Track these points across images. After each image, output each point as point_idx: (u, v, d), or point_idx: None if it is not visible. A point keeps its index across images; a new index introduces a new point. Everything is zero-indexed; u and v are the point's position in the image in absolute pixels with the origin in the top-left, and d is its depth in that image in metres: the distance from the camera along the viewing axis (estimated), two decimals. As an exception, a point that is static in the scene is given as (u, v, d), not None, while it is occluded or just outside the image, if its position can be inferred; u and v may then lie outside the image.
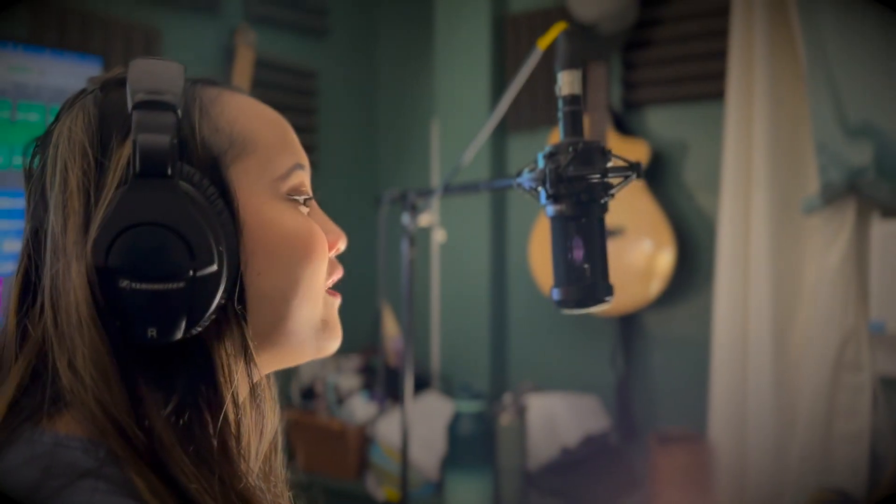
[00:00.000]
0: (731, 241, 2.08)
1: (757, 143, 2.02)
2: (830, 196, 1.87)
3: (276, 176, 0.60)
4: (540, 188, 0.71)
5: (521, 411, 2.16)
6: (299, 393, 2.58)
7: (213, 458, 0.52)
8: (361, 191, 2.90)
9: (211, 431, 0.53)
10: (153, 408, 0.51)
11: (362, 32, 3.02)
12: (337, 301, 0.66)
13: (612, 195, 0.70)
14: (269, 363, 0.61)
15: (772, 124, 1.99)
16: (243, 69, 2.39)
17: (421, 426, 2.29)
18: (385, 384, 2.45)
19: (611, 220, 2.26)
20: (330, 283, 0.65)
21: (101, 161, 0.53)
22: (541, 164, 0.71)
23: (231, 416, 0.54)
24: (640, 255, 2.25)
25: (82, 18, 2.03)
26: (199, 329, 0.53)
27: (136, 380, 0.51)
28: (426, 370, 2.75)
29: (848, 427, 1.90)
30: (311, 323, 0.61)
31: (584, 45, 2.33)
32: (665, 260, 2.23)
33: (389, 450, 2.27)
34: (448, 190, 1.23)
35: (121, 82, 0.57)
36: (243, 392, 0.57)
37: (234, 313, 0.55)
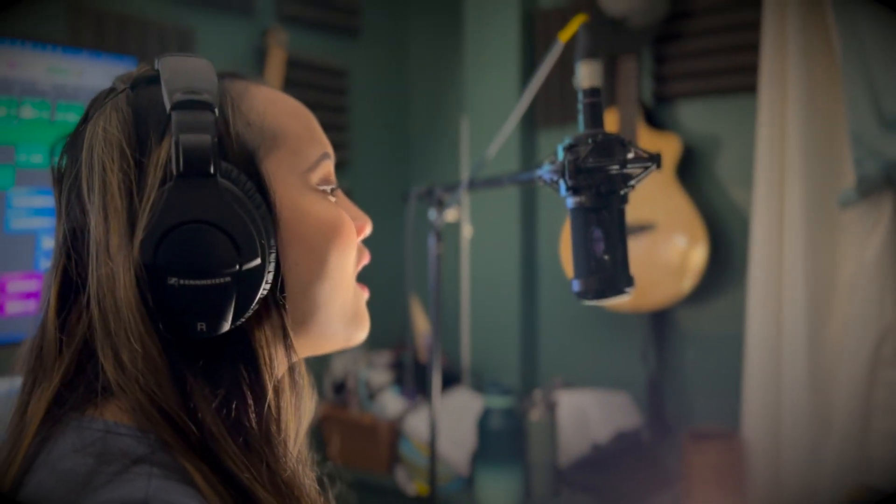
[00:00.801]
0: (765, 236, 2.05)
1: (791, 136, 1.99)
2: (866, 189, 1.84)
3: (306, 167, 0.61)
4: (560, 180, 0.71)
5: (551, 407, 2.16)
6: (332, 387, 2.61)
7: (260, 447, 0.54)
8: (392, 187, 2.92)
9: (255, 419, 0.54)
10: (202, 401, 0.52)
11: (393, 30, 3.04)
12: (365, 294, 0.67)
13: (633, 186, 0.70)
14: (302, 349, 0.63)
15: (806, 117, 1.95)
16: (275, 69, 2.42)
17: (451, 421, 2.30)
18: (415, 379, 2.46)
19: (642, 215, 2.26)
20: (359, 267, 0.67)
21: (140, 161, 0.54)
22: (560, 156, 0.71)
23: (273, 402, 0.56)
24: (672, 251, 2.23)
25: (118, 20, 2.08)
26: (243, 320, 0.55)
27: (184, 374, 0.53)
28: (456, 366, 2.76)
29: (885, 424, 1.87)
30: (341, 313, 0.63)
31: (614, 39, 2.31)
32: (697, 255, 2.21)
33: (420, 444, 2.28)
34: (473, 185, 1.24)
35: (151, 80, 0.58)
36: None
37: (275, 302, 0.57)
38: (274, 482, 0.53)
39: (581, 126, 0.72)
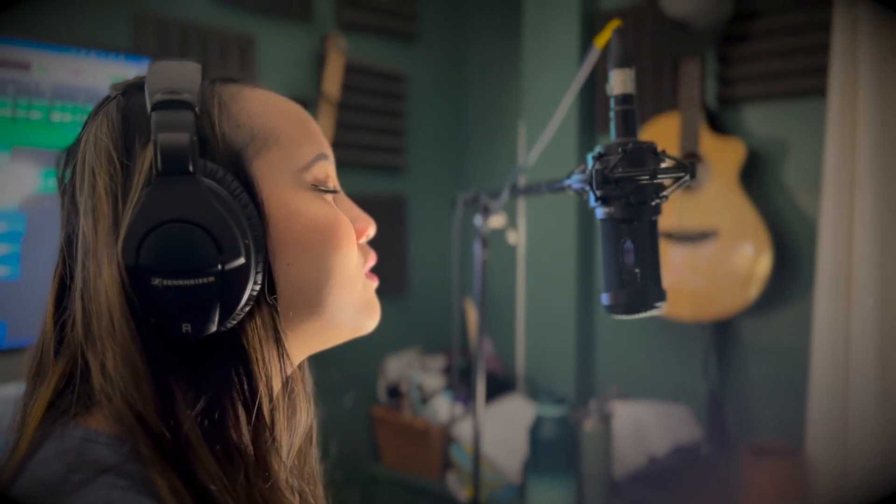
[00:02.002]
0: (833, 245, 1.96)
1: (861, 141, 1.90)
2: (943, 197, 1.74)
3: (300, 167, 0.60)
4: (589, 190, 0.69)
5: (606, 418, 2.11)
6: (385, 391, 2.62)
7: (240, 457, 0.53)
8: (450, 192, 2.91)
9: (243, 427, 0.53)
10: (183, 407, 0.52)
11: (451, 35, 3.03)
12: (374, 283, 0.66)
13: (665, 197, 0.68)
14: (304, 348, 0.62)
15: (877, 120, 1.86)
16: (334, 75, 2.45)
17: (504, 428, 2.27)
18: (468, 384, 2.45)
19: (705, 221, 2.19)
20: (366, 268, 0.66)
21: (127, 164, 0.55)
22: (590, 164, 0.69)
23: (265, 410, 0.55)
24: (736, 259, 2.16)
25: (181, 28, 2.14)
26: (233, 322, 0.54)
27: (168, 378, 0.52)
28: (511, 372, 2.73)
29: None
30: (348, 308, 0.62)
31: (677, 41, 2.26)
32: (762, 264, 2.13)
33: (471, 450, 2.27)
34: (514, 192, 1.22)
35: (141, 86, 0.58)
36: (276, 385, 0.58)
37: (267, 304, 0.56)
38: (250, 495, 0.52)
39: (613, 134, 0.70)
